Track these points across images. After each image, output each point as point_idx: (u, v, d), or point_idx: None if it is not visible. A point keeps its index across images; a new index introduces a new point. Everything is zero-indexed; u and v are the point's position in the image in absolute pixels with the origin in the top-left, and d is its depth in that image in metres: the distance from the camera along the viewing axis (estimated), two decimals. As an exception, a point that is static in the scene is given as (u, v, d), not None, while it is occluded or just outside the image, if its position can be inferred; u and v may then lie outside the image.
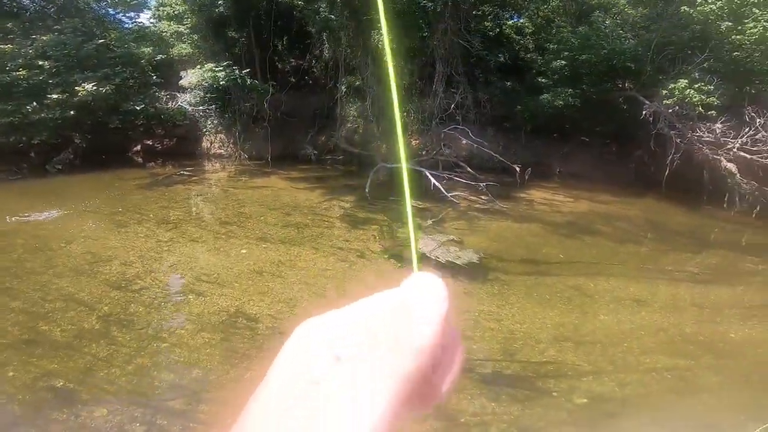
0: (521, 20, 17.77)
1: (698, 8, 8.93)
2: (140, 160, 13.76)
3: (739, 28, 8.67)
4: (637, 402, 3.77)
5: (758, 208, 8.74)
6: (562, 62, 11.92)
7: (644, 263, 6.83)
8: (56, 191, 9.60)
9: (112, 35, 13.16)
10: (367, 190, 9.47)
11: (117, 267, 5.72)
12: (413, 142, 14.46)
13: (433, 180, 9.49)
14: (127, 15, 15.12)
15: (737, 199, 9.09)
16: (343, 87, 14.51)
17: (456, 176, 10.33)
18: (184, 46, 13.50)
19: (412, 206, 0.39)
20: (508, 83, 14.89)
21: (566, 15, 15.35)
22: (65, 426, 3.21)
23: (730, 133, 8.78)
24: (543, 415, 3.62)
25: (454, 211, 9.19)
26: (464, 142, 12.91)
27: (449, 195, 9.51)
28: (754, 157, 8.41)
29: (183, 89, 12.70)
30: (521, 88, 14.08)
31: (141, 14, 15.95)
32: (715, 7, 8.76)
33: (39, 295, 4.96)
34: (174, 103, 12.73)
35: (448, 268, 6.15)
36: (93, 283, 5.28)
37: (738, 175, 8.79)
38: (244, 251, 6.48)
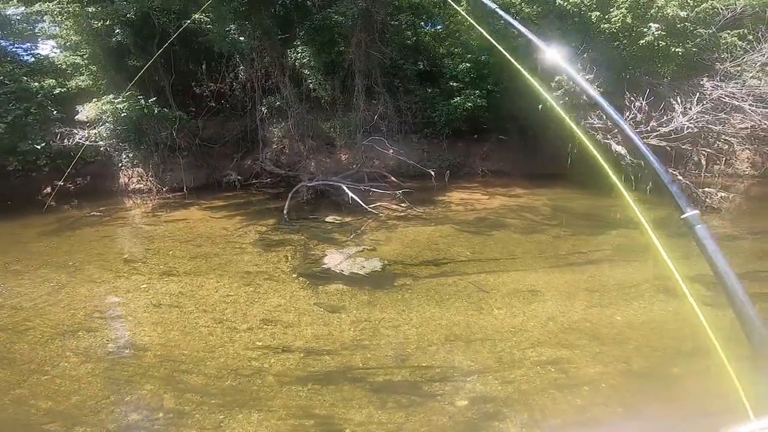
0: (438, 27, 18.45)
1: (571, 1, 9.65)
2: (53, 203, 12.93)
3: (606, 17, 9.41)
4: (517, 400, 3.79)
5: (650, 184, 9.45)
6: (467, 65, 12.42)
7: (544, 252, 7.17)
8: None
9: (7, 68, 12.35)
10: (285, 212, 9.38)
11: (6, 312, 5.56)
12: (342, 157, 14.56)
13: (350, 193, 9.55)
14: (21, 47, 14.22)
15: (632, 178, 9.77)
16: (263, 108, 14.38)
17: (375, 187, 10.44)
18: (82, 78, 12.85)
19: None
20: (429, 90, 15.33)
21: (474, 18, 16.00)
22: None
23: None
24: (426, 421, 3.64)
25: (374, 222, 9.28)
26: (390, 152, 13.15)
27: (369, 207, 9.62)
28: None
29: (83, 124, 12.05)
30: (437, 94, 14.50)
31: (40, 45, 15.04)
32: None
33: None
34: (71, 141, 12.04)
35: (354, 280, 6.19)
36: (-22, 328, 5.05)
37: (628, 156, 9.48)
38: (143, 286, 6.27)
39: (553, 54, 1.21)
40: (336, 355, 4.52)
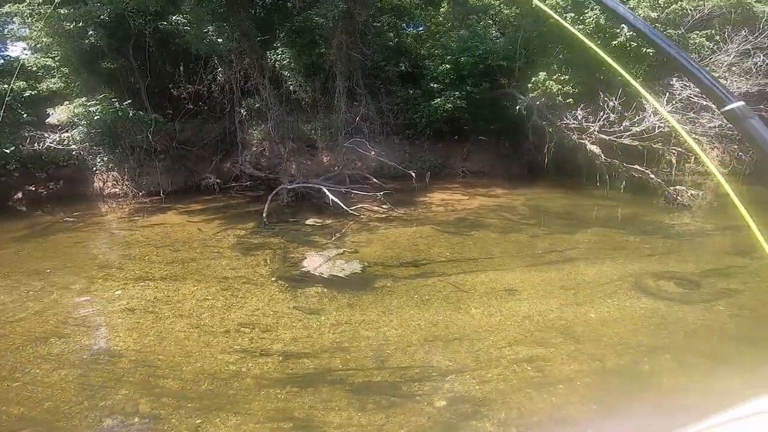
0: (420, 29, 18.53)
1: (547, 2, 9.87)
2: (24, 208, 12.55)
3: (581, 18, 9.65)
4: (494, 399, 3.81)
5: (624, 183, 9.72)
6: (447, 66, 12.54)
7: (522, 251, 7.27)
8: None
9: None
10: (264, 215, 9.28)
11: (-26, 319, 5.34)
12: (323, 159, 14.49)
13: (330, 195, 9.52)
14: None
15: (607, 177, 10.03)
16: (242, 110, 14.21)
17: (356, 189, 10.43)
18: (53, 80, 12.51)
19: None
20: (410, 91, 15.35)
21: (455, 20, 16.20)
22: None
23: (591, 118, 9.71)
24: (405, 422, 3.64)
25: (356, 223, 9.27)
26: (372, 153, 13.15)
27: (350, 209, 9.60)
28: (612, 137, 9.36)
29: (54, 127, 11.73)
30: (419, 95, 14.55)
31: (10, 47, 14.59)
32: (560, 0, 9.68)
33: None
34: (42, 145, 11.70)
35: (334, 283, 6.17)
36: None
37: (602, 155, 9.71)
38: (118, 292, 6.15)
39: None
40: (315, 357, 4.50)
